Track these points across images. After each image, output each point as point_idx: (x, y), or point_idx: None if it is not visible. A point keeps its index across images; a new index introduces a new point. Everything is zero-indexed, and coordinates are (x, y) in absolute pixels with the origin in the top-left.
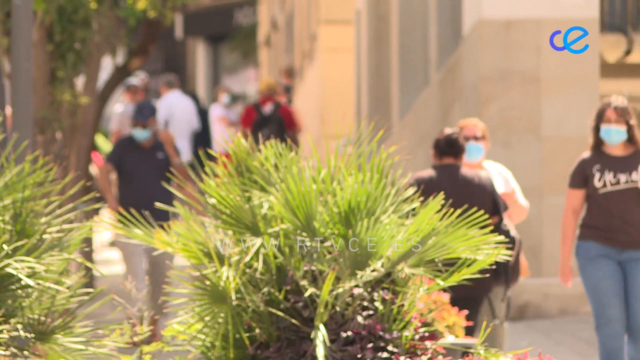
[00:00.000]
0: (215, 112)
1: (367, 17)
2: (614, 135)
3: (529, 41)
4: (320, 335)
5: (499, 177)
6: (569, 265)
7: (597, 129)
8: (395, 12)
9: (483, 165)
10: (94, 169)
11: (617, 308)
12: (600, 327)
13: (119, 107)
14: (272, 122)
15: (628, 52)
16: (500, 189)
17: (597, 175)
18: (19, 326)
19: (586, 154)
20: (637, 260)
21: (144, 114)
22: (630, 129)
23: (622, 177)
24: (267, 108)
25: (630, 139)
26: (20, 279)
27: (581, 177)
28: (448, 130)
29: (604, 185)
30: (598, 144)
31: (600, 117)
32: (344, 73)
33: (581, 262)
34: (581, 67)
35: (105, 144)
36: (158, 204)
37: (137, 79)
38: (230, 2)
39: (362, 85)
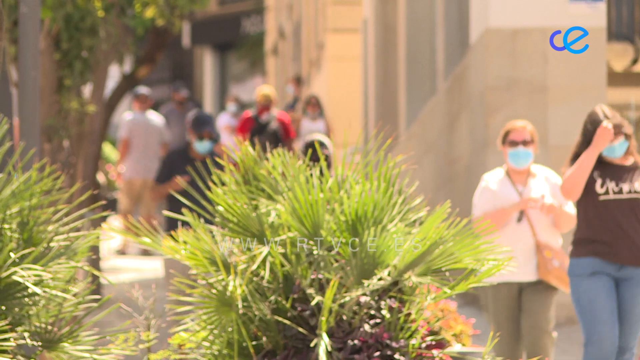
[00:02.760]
0: (223, 121)
1: (374, 26)
2: (619, 150)
3: (536, 50)
4: (323, 343)
5: (546, 183)
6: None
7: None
8: (402, 21)
9: (531, 170)
10: (101, 177)
11: (610, 326)
12: (591, 344)
13: (128, 114)
14: (268, 130)
15: (635, 61)
16: (540, 193)
17: (598, 181)
18: (26, 334)
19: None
20: (634, 279)
21: (211, 124)
22: (627, 139)
23: (625, 187)
24: (264, 117)
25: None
26: (27, 287)
27: None
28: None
29: (607, 192)
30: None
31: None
32: (351, 82)
33: (575, 279)
34: (588, 76)
35: (112, 153)
36: (166, 212)
37: (146, 88)
38: (237, 10)
39: (369, 94)
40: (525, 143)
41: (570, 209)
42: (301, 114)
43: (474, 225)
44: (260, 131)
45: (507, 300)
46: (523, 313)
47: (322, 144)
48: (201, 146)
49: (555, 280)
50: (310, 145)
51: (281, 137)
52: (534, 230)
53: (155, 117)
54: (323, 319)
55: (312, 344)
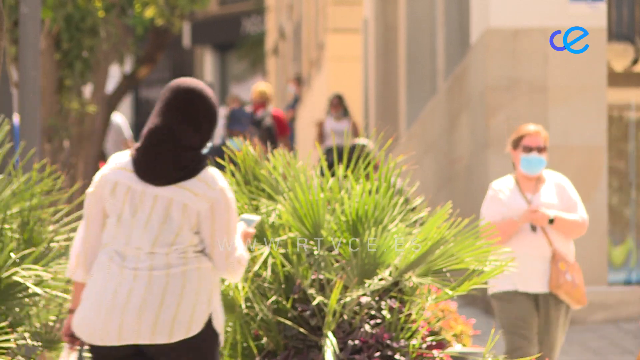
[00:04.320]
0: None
1: (374, 26)
2: None
3: (536, 50)
4: (329, 343)
5: (556, 189)
6: None
7: None
8: (402, 21)
9: (542, 175)
10: None
11: None
12: None
13: None
14: (262, 126)
15: (635, 61)
16: (551, 200)
17: None
18: (26, 334)
19: None
20: None
21: (242, 123)
22: None
23: None
24: (260, 113)
25: None
26: (27, 287)
27: None
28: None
29: None
30: None
31: None
32: (351, 82)
33: None
34: (588, 76)
35: None
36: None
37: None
38: (238, 10)
39: (369, 94)
40: (540, 150)
41: (576, 216)
42: (325, 114)
43: (480, 232)
44: (255, 127)
45: (520, 310)
46: (541, 328)
47: (363, 147)
48: (232, 144)
49: (564, 296)
50: (354, 148)
51: (275, 134)
52: (549, 239)
53: (111, 117)
54: (329, 319)
55: (320, 344)
